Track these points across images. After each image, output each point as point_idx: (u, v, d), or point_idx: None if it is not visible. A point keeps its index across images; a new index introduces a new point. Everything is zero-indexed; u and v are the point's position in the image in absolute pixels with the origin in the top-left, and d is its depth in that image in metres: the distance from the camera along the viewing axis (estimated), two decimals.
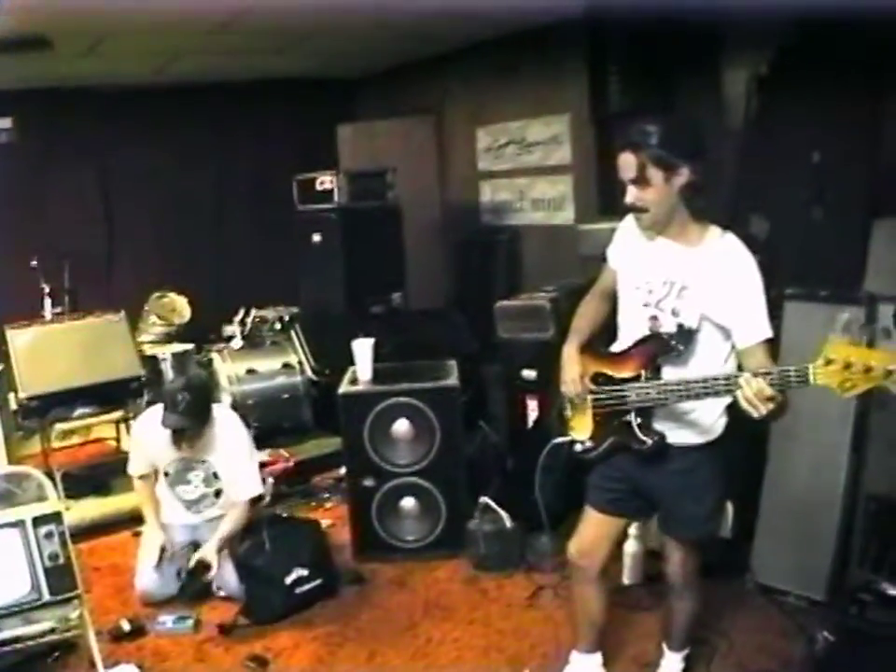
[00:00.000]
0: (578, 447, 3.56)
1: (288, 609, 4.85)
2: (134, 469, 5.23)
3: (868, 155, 5.30)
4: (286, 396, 6.95)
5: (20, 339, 6.32)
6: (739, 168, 5.90)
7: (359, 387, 5.46)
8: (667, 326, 3.36)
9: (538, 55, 7.53)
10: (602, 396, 3.47)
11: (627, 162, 3.24)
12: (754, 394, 2.89)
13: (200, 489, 5.15)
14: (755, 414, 2.92)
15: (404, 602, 4.93)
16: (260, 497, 5.64)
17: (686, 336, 3.32)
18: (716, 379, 3.11)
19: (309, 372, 7.06)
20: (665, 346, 3.34)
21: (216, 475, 5.12)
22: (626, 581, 4.99)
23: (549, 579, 5.08)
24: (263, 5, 5.88)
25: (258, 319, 7.43)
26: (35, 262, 7.37)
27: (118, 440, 7.13)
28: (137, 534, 5.68)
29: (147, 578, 5.06)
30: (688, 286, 3.32)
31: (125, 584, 5.25)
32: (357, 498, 5.43)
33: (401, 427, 5.29)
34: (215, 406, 5.19)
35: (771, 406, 2.89)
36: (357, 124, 9.12)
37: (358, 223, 7.42)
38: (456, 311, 7.82)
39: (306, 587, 4.91)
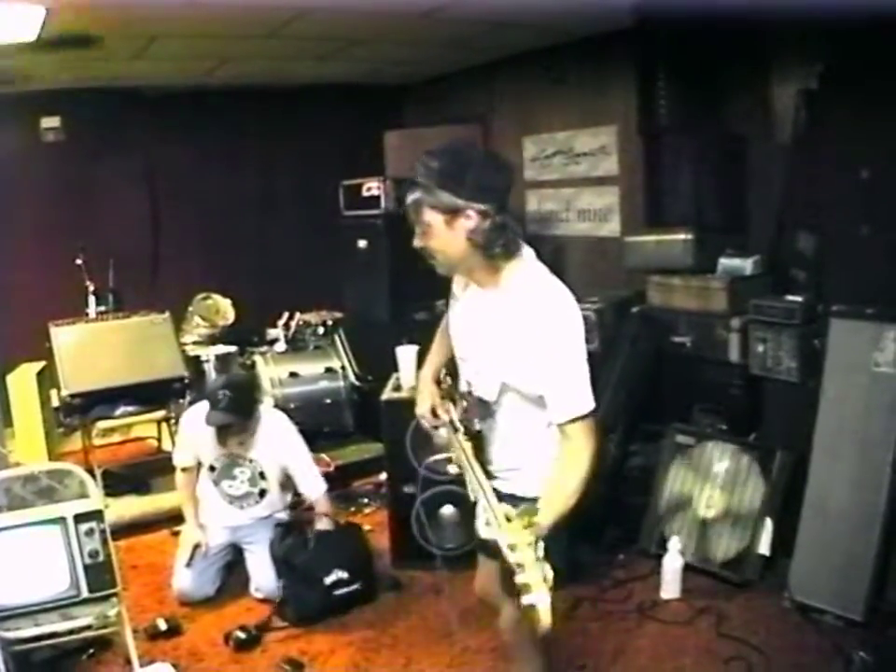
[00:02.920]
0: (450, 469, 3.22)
1: (325, 611, 4.86)
2: (180, 459, 5.29)
3: None
4: (328, 400, 6.93)
5: (63, 336, 6.37)
6: (787, 184, 5.85)
7: (402, 394, 5.43)
8: (477, 390, 3.07)
9: (586, 66, 7.48)
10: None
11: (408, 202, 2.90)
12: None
13: (245, 486, 5.19)
14: None
15: (441, 610, 4.89)
16: (298, 504, 5.65)
17: (484, 408, 3.04)
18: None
19: (352, 377, 7.04)
20: (464, 416, 3.13)
21: (262, 475, 5.17)
22: (664, 595, 4.96)
23: (588, 591, 5.04)
24: (312, 11, 5.88)
25: (301, 323, 7.43)
26: (80, 261, 7.43)
27: (159, 439, 7.20)
28: (176, 533, 5.70)
29: (183, 577, 5.08)
30: (490, 341, 2.95)
31: (162, 583, 5.28)
32: (397, 505, 5.41)
33: (443, 433, 5.24)
34: (263, 407, 5.27)
35: None
36: (403, 131, 9.10)
37: (404, 229, 7.41)
38: None
39: (345, 590, 4.93)
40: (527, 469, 3.04)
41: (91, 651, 4.54)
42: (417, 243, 2.93)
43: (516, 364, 2.84)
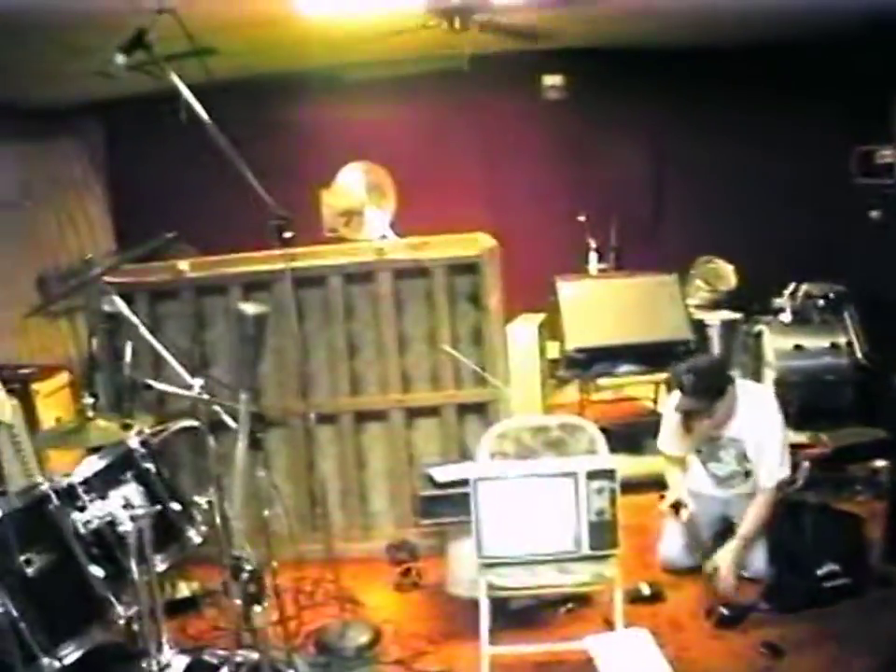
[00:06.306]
0: None
1: (812, 602, 4.61)
2: (664, 445, 5.18)
3: None
4: (829, 377, 6.58)
5: (569, 291, 6.51)
6: None
7: None
8: None
9: None
10: None
11: None
12: None
13: (731, 466, 5.00)
14: None
15: None
16: (793, 481, 5.41)
17: None
18: None
19: (858, 355, 6.67)
20: None
21: (746, 456, 4.95)
22: None
23: None
24: None
25: (806, 294, 7.15)
26: (583, 217, 7.53)
27: (655, 401, 7.19)
28: (662, 497, 5.63)
29: (669, 544, 5.04)
30: None
31: (648, 546, 5.24)
32: None
33: None
34: (744, 383, 5.06)
35: None
36: None
37: None
38: None
39: (835, 583, 4.65)
40: None
41: (570, 605, 4.61)
42: None
43: None
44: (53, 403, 6.60)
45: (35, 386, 6.48)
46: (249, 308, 2.79)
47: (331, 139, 8.32)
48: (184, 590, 4.89)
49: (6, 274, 7.60)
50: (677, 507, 4.92)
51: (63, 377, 6.92)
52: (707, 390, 4.78)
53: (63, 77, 6.73)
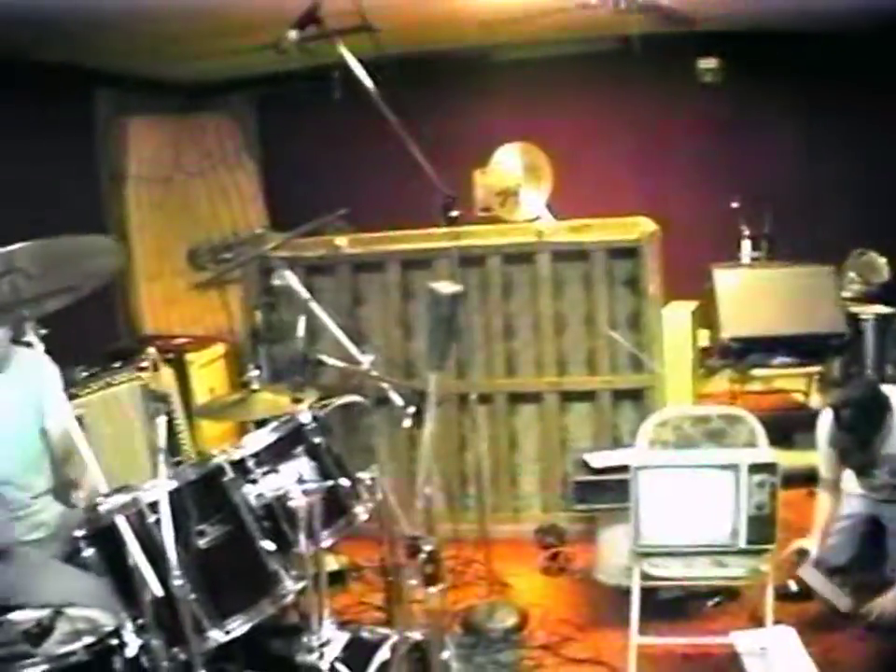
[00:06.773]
0: None
1: None
2: (825, 471, 4.91)
3: None
4: None
5: (726, 279, 6.48)
6: None
7: None
8: None
9: None
10: None
11: None
12: None
13: (883, 479, 4.75)
14: None
15: None
16: None
17: None
18: None
19: None
20: None
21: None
22: None
23: None
24: None
25: None
26: (735, 204, 7.43)
27: (806, 394, 7.09)
28: (812, 493, 5.50)
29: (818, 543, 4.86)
30: None
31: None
32: None
33: None
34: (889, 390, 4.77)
35: None
36: None
37: None
38: None
39: None
40: None
41: (718, 598, 4.58)
42: None
43: None
44: (207, 374, 6.74)
45: (189, 357, 6.62)
46: (444, 287, 2.77)
47: (485, 119, 8.38)
48: (332, 563, 4.93)
49: (158, 246, 7.81)
50: (800, 553, 4.75)
51: (218, 348, 7.07)
52: (866, 428, 4.51)
53: (220, 53, 6.85)
